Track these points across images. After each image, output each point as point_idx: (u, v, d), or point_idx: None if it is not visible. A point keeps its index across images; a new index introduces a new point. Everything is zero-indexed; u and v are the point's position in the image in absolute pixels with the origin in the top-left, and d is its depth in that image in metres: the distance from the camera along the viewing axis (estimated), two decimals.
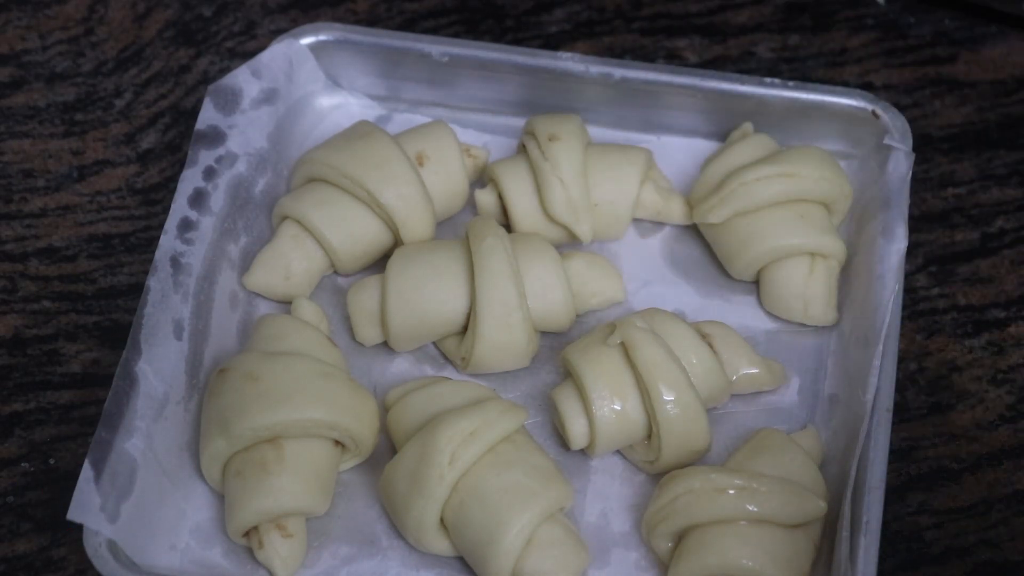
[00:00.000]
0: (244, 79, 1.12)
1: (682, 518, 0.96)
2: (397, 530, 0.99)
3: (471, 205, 1.14)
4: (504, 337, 1.03)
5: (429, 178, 1.10)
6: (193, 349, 1.03)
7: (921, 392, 1.08)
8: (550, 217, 1.10)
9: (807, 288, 1.08)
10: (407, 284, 1.05)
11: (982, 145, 1.21)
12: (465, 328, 1.06)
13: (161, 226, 1.06)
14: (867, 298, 1.05)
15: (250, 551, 0.98)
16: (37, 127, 1.21)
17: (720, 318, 1.08)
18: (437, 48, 1.16)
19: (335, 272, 1.12)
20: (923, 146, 1.19)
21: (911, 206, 1.09)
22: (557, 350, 1.07)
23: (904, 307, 1.08)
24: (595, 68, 1.14)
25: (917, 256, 1.15)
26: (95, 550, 0.93)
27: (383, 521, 1.00)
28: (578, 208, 1.09)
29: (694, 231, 1.14)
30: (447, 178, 1.11)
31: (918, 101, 1.24)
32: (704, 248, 1.13)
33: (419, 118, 1.18)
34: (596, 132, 1.16)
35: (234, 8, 1.29)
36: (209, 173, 1.08)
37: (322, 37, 1.16)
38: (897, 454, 1.05)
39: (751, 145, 1.13)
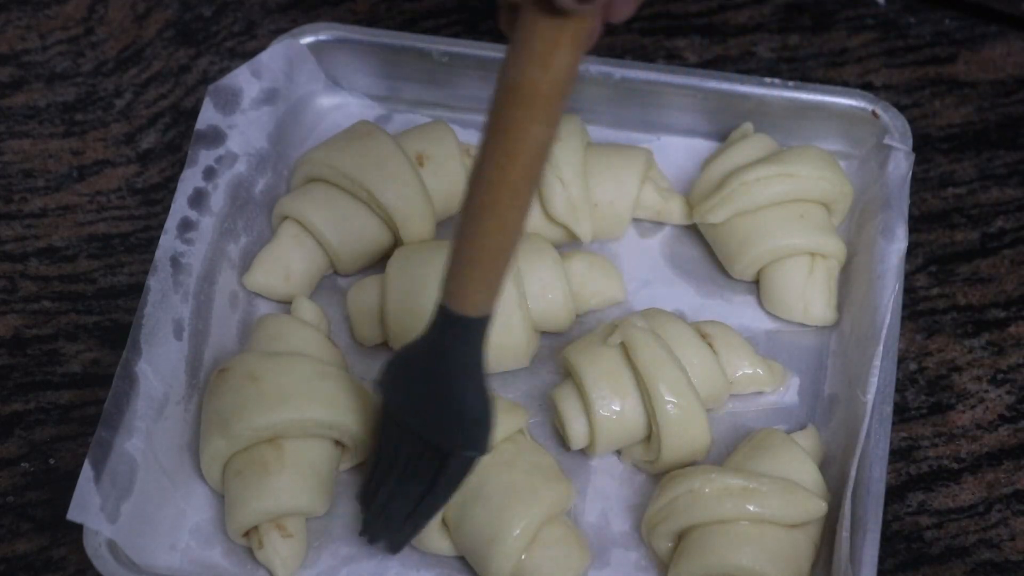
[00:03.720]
0: (244, 79, 1.12)
1: (682, 518, 0.96)
2: None
3: None
4: (504, 337, 1.03)
5: (429, 178, 1.10)
6: (193, 349, 1.03)
7: (921, 392, 1.08)
8: (550, 217, 1.10)
9: (807, 288, 1.08)
10: (407, 284, 1.05)
11: (982, 145, 1.21)
12: None
13: (161, 226, 1.06)
14: (867, 298, 1.05)
15: (250, 551, 0.98)
16: (37, 127, 1.21)
17: (720, 318, 1.08)
18: (437, 48, 1.16)
19: (335, 272, 1.12)
20: (923, 146, 1.19)
21: (911, 206, 1.09)
22: (557, 350, 1.06)
23: (904, 307, 1.08)
24: (595, 68, 1.14)
25: (917, 256, 1.15)
26: (95, 550, 0.93)
27: None
28: (578, 208, 1.09)
29: (694, 231, 1.14)
30: (447, 178, 1.11)
31: (918, 101, 1.24)
32: (704, 248, 1.13)
33: (419, 118, 1.18)
34: (596, 132, 1.16)
35: (234, 8, 1.29)
36: (209, 173, 1.08)
37: (322, 37, 1.16)
38: (897, 454, 1.05)
39: (751, 145, 1.12)
